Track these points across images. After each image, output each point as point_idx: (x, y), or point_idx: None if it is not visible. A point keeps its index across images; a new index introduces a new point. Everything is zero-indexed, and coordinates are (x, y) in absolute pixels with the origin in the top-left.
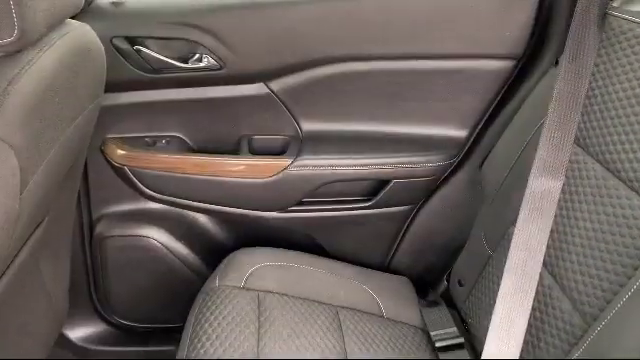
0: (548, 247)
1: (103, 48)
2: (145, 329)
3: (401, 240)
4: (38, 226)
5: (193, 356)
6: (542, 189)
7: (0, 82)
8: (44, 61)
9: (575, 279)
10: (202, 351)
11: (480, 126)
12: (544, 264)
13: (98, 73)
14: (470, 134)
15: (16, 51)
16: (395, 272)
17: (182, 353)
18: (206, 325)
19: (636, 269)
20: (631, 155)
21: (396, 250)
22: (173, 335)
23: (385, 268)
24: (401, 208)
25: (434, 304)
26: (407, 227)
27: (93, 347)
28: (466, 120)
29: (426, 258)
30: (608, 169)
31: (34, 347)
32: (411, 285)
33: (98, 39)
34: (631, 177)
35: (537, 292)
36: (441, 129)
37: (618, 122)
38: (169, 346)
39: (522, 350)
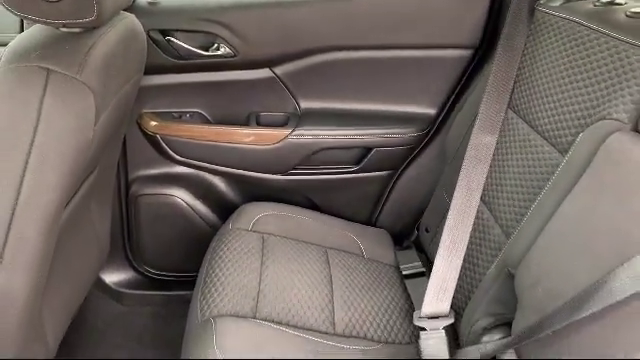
0: (486, 189)
1: (145, 34)
2: (168, 277)
3: (385, 202)
4: (91, 173)
5: (211, 274)
6: (482, 143)
7: (84, 46)
8: (110, 35)
9: (504, 210)
10: (217, 270)
11: (448, 105)
12: (483, 201)
13: (141, 51)
14: (439, 111)
15: (93, 27)
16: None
17: (201, 276)
18: (221, 253)
19: (540, 190)
20: (544, 113)
21: (380, 210)
22: (192, 283)
23: (370, 225)
24: (382, 173)
25: (406, 248)
26: (389, 191)
27: (125, 290)
28: (435, 99)
29: (404, 217)
30: (531, 126)
31: (86, 274)
32: (389, 235)
33: (141, 26)
34: (544, 129)
35: (477, 223)
36: (414, 107)
37: (537, 90)
38: (188, 291)
39: (463, 266)
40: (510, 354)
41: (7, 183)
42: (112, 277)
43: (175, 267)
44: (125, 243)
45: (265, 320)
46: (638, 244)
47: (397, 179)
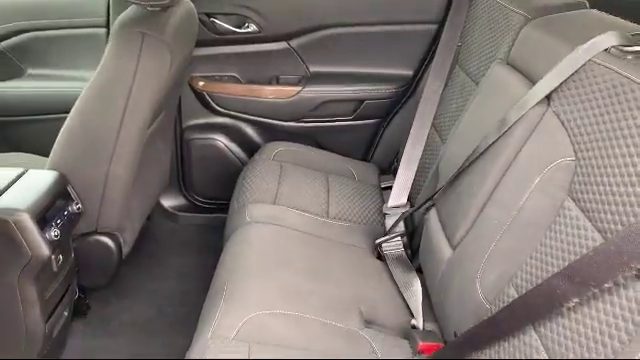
0: (437, 119)
1: (197, 15)
2: (210, 203)
3: (376, 144)
4: (159, 115)
5: (244, 183)
6: (433, 87)
7: (164, 19)
8: (178, 13)
9: (446, 132)
10: (248, 180)
11: (422, 67)
12: (435, 129)
13: (195, 27)
14: (416, 72)
15: (168, 7)
16: None
17: (237, 186)
18: (250, 173)
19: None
20: (472, 63)
21: (373, 151)
22: (228, 208)
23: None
24: (372, 121)
25: (387, 173)
26: (380, 135)
27: (178, 213)
28: (411, 63)
29: (390, 155)
30: (466, 74)
31: (154, 189)
32: (377, 168)
33: (195, 9)
34: (472, 74)
35: (429, 144)
36: (395, 69)
37: (471, 49)
38: (225, 214)
39: (418, 173)
40: (434, 217)
41: (116, 104)
42: (169, 202)
43: (216, 195)
44: (179, 177)
45: (282, 204)
46: (491, 126)
47: (385, 126)
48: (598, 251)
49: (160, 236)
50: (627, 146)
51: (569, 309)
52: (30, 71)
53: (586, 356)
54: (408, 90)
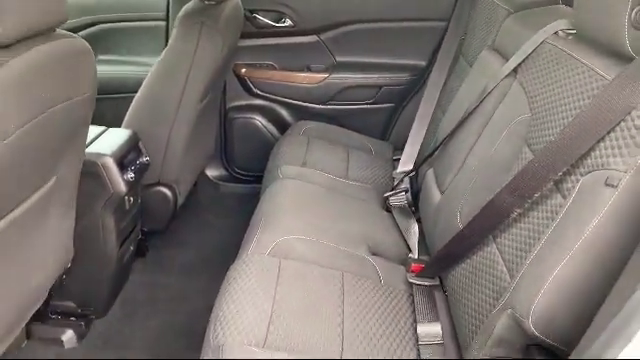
0: (441, 103)
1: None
2: (248, 175)
3: (393, 125)
4: (208, 94)
5: (278, 152)
6: (438, 72)
7: (218, 12)
8: (229, 7)
9: (446, 106)
10: (282, 150)
11: (434, 59)
12: (441, 110)
13: (241, 19)
14: (428, 63)
15: (221, 1)
16: None
17: (272, 154)
18: (282, 145)
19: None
20: (471, 52)
21: (390, 131)
22: None
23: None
24: (389, 105)
25: (401, 148)
26: (396, 118)
27: (220, 182)
28: (424, 54)
29: (405, 135)
30: (467, 62)
31: (200, 158)
32: (391, 145)
33: (241, 5)
34: (469, 61)
35: (433, 121)
36: (410, 59)
37: (471, 41)
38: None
39: (422, 147)
40: (431, 175)
41: (179, 79)
42: (213, 173)
43: (253, 168)
44: (222, 151)
45: (309, 167)
46: (475, 97)
47: (401, 110)
48: (528, 168)
49: (204, 201)
50: (565, 97)
51: (515, 220)
52: (100, 57)
53: (526, 253)
54: (421, 78)
